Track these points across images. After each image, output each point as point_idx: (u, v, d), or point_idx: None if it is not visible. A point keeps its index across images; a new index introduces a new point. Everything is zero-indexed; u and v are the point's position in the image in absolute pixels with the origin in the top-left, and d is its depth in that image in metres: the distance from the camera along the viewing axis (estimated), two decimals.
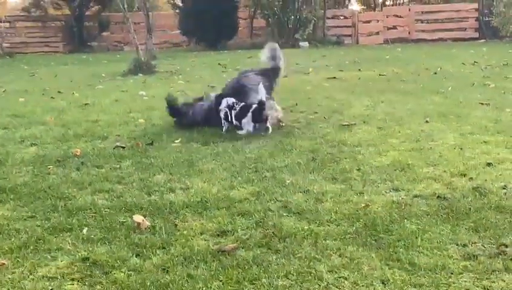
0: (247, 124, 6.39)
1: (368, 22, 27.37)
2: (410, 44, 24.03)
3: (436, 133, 6.10)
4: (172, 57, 19.63)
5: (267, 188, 4.43)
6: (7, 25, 27.47)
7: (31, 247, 3.46)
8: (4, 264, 3.23)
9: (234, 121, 6.47)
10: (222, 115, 6.56)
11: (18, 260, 3.29)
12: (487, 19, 24.38)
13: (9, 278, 3.09)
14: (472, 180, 4.49)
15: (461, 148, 5.44)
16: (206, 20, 22.53)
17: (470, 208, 3.84)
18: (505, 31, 22.52)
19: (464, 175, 4.61)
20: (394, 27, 26.74)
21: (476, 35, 25.32)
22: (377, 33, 26.46)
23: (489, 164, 4.87)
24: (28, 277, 3.11)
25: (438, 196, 4.13)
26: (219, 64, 16.04)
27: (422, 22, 26.72)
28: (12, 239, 3.59)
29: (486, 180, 4.46)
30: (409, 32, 26.05)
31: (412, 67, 13.39)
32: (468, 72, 12.09)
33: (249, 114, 6.37)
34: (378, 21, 26.90)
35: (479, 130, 6.18)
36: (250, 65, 15.25)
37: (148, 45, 18.36)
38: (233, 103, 6.50)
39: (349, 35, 26.39)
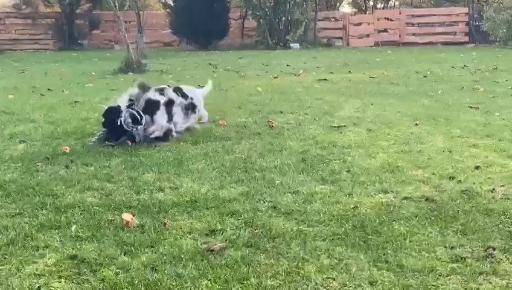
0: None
1: (359, 24, 27.43)
2: (400, 47, 24.13)
3: (425, 136, 6.13)
4: (163, 56, 19.59)
5: (257, 189, 4.43)
6: None
7: (19, 244, 3.44)
8: None
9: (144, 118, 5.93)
10: (129, 119, 5.86)
11: (5, 257, 3.27)
12: (477, 23, 24.53)
13: None
14: (460, 183, 4.51)
15: (450, 151, 5.47)
16: (197, 20, 22.50)
17: (458, 211, 3.87)
18: (495, 36, 22.66)
19: (453, 178, 4.64)
20: (385, 30, 26.84)
21: (466, 39, 25.48)
22: (368, 36, 26.54)
23: (477, 167, 4.90)
24: (15, 274, 3.09)
25: (427, 199, 4.15)
26: (210, 64, 16.03)
27: (413, 26, 26.82)
28: (0, 236, 3.56)
29: (474, 183, 4.49)
30: (400, 36, 26.15)
31: (402, 70, 13.45)
32: (457, 75, 12.16)
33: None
34: (369, 24, 26.97)
35: (468, 133, 6.22)
36: (241, 66, 15.31)
37: (139, 43, 18.31)
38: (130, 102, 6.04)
39: (340, 38, 26.44)
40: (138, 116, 5.90)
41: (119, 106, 6.03)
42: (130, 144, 5.92)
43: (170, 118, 6.22)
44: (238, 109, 8.00)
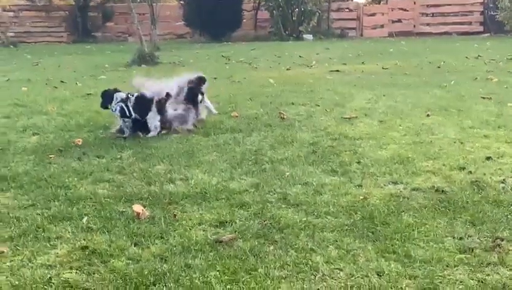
0: (153, 118, 6.09)
1: (373, 15, 27.26)
2: (414, 37, 23.95)
3: (436, 127, 6.11)
4: (176, 48, 19.62)
5: (267, 180, 4.45)
6: (11, 14, 27.46)
7: (31, 235, 3.49)
8: (4, 251, 3.27)
9: (133, 115, 6.04)
10: (117, 111, 6.07)
11: (18, 248, 3.33)
12: (492, 13, 24.26)
13: (8, 266, 3.13)
14: (471, 174, 4.50)
15: (461, 142, 5.45)
16: (210, 11, 22.48)
17: (468, 202, 3.86)
18: (510, 26, 22.40)
19: (463, 169, 4.63)
20: (399, 20, 26.64)
21: (481, 29, 25.21)
22: (382, 26, 26.38)
23: (488, 158, 4.88)
24: (27, 264, 3.14)
25: (436, 189, 4.15)
26: (222, 56, 16.04)
27: (427, 16, 26.59)
28: (12, 227, 3.62)
29: (485, 174, 4.48)
30: (414, 26, 25.95)
31: (416, 60, 13.36)
32: (471, 66, 12.07)
33: (153, 106, 6.11)
34: (383, 14, 26.80)
35: (479, 124, 6.19)
36: (253, 57, 15.30)
37: (152, 35, 18.36)
38: (127, 94, 6.14)
39: (354, 28, 26.30)
40: (126, 111, 6.03)
41: (115, 90, 6.23)
42: (141, 135, 5.98)
43: None
44: (249, 101, 8.01)
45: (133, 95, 6.14)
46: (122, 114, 6.05)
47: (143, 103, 6.10)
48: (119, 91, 6.21)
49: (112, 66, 13.97)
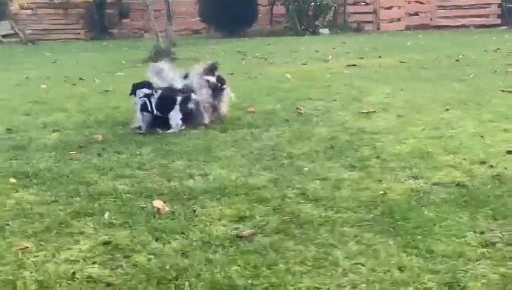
0: (176, 115, 6.12)
1: (390, 8, 27.06)
2: (431, 30, 23.76)
3: (456, 121, 6.07)
4: (192, 44, 19.63)
5: (285, 175, 4.46)
6: (29, 12, 27.67)
7: (54, 231, 3.53)
8: (28, 247, 3.31)
9: (155, 112, 6.13)
10: (139, 105, 6.19)
11: (41, 244, 3.37)
12: (510, 5, 23.97)
13: (32, 261, 3.17)
14: (492, 168, 4.47)
15: (481, 136, 5.41)
16: (226, 7, 22.47)
17: (489, 196, 3.84)
18: None
19: (484, 163, 4.59)
20: (416, 13, 26.42)
21: (499, 21, 24.93)
22: (399, 19, 26.18)
23: (509, 152, 4.84)
24: (51, 260, 3.18)
25: (457, 184, 4.12)
26: (238, 51, 16.03)
27: (444, 8, 26.34)
28: (36, 223, 3.67)
29: (506, 168, 4.44)
30: (431, 19, 25.73)
31: (433, 54, 13.25)
32: (490, 59, 11.95)
33: (176, 105, 6.12)
34: (399, 7, 26.59)
35: (499, 117, 6.14)
36: (269, 52, 15.27)
37: (168, 32, 18.40)
38: (152, 91, 6.23)
39: (370, 22, 26.14)
40: (148, 105, 6.12)
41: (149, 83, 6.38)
42: (160, 132, 6.02)
43: None
44: (266, 96, 8.02)
45: (156, 92, 6.17)
46: (143, 108, 6.12)
47: (166, 100, 6.14)
48: (149, 86, 6.32)
49: (128, 62, 14.03)
